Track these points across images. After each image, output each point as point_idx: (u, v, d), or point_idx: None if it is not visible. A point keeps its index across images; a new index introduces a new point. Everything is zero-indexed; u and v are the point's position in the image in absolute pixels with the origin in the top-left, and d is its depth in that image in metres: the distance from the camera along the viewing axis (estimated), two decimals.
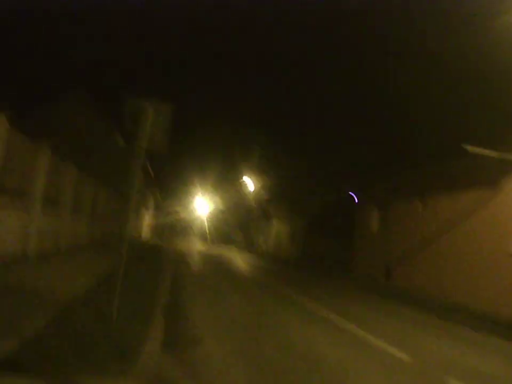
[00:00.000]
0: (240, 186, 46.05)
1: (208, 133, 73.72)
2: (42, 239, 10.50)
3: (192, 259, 21.50)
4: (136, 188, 5.78)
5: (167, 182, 51.63)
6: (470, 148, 12.36)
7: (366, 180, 21.52)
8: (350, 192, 22.20)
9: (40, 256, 10.09)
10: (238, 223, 56.37)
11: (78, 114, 24.29)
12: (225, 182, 48.95)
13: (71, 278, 8.23)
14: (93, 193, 15.71)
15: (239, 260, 26.50)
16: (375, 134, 24.27)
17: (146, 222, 41.36)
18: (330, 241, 26.73)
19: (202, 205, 56.75)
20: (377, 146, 23.10)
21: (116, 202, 20.45)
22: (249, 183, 44.93)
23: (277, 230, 43.01)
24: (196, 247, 38.34)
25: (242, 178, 44.37)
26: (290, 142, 35.17)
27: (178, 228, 56.60)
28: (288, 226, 38.26)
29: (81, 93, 25.12)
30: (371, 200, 20.55)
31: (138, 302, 6.76)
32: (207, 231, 60.69)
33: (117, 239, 8.19)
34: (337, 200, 26.38)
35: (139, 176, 6.21)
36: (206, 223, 60.81)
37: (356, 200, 21.97)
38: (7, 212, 8.43)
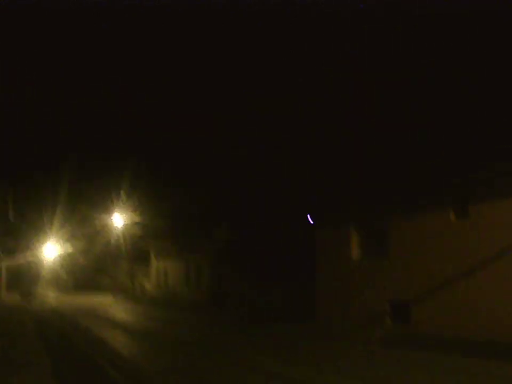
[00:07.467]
0: (105, 224, 37.28)
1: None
2: None
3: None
4: None
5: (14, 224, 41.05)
6: None
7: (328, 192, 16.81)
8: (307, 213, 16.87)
9: None
10: (103, 265, 47.11)
11: None
12: (86, 221, 39.60)
13: None
14: None
15: (122, 313, 19.45)
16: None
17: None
18: (254, 278, 21.28)
19: (58, 249, 46.11)
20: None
21: None
22: (118, 221, 36.43)
23: (160, 270, 35.60)
24: (60, 299, 29.35)
25: (107, 215, 35.80)
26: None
27: (34, 277, 48.47)
28: (181, 265, 31.40)
29: None
30: (342, 218, 15.69)
31: None
32: (67, 278, 50.47)
33: None
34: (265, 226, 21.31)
35: None
36: (64, 269, 50.06)
37: (312, 222, 16.71)
38: None
